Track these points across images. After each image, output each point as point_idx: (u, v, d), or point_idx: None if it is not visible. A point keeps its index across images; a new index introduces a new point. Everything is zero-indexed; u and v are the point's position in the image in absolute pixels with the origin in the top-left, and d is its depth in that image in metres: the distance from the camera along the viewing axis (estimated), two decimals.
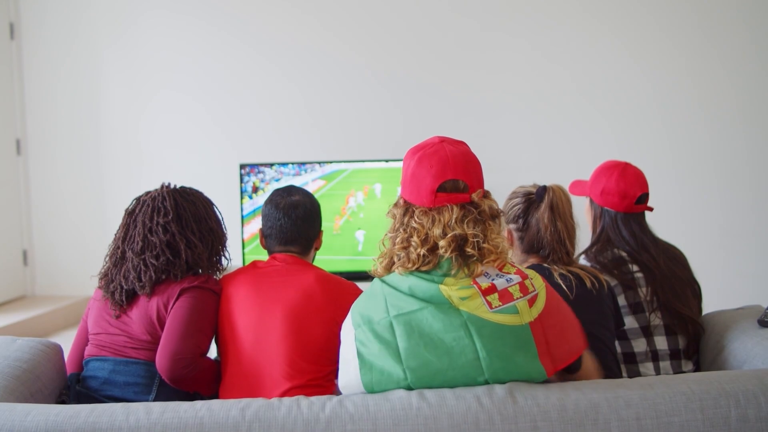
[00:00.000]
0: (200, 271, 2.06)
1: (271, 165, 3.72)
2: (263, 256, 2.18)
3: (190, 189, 2.14)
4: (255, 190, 3.69)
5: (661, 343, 2.19)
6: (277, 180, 3.70)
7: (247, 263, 2.75)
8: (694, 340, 2.22)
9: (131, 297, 2.00)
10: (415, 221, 1.54)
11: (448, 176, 1.53)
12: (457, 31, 4.31)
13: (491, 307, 1.46)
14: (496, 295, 1.48)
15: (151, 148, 4.56)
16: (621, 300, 2.18)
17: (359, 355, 1.51)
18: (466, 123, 4.28)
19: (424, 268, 1.52)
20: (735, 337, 2.05)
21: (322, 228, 2.20)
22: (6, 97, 4.54)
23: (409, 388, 1.47)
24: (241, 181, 3.69)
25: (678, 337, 2.20)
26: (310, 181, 3.73)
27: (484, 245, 1.51)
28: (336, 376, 1.81)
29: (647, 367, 2.17)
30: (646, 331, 2.19)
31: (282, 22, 4.42)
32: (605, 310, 1.98)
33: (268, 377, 1.91)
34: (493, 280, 1.50)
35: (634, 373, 2.15)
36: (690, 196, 4.22)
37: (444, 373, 1.45)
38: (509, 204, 2.09)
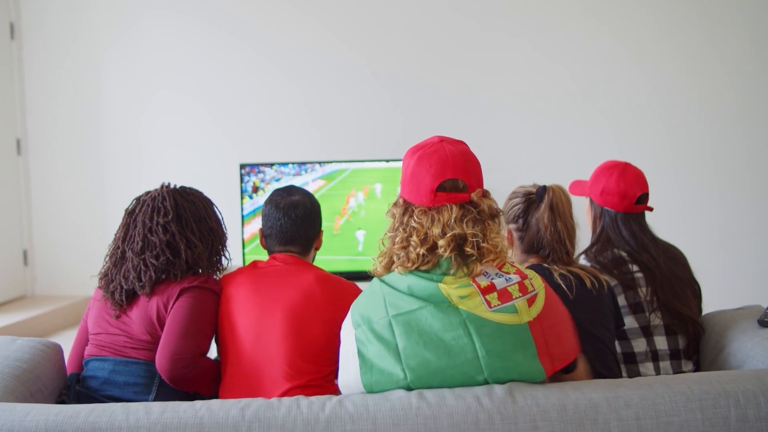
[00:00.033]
0: (200, 271, 2.06)
1: (271, 165, 3.72)
2: (263, 256, 2.18)
3: (190, 189, 2.14)
4: (255, 190, 3.69)
5: (661, 343, 2.19)
6: (277, 180, 3.70)
7: (247, 263, 2.75)
8: (694, 340, 2.22)
9: (131, 297, 2.00)
10: (415, 221, 1.54)
11: (448, 176, 1.53)
12: (457, 31, 4.31)
13: (490, 306, 1.46)
14: (495, 294, 1.48)
15: (151, 148, 4.56)
16: (621, 300, 2.18)
17: (360, 354, 1.51)
18: (466, 123, 4.28)
19: (423, 268, 1.52)
20: (735, 337, 2.05)
21: (322, 228, 2.20)
22: (6, 97, 4.55)
23: (409, 388, 1.46)
24: (242, 181, 3.69)
25: (678, 337, 2.20)
26: (310, 181, 3.73)
27: (484, 245, 1.51)
28: (336, 377, 1.81)
29: (647, 367, 2.17)
30: (646, 331, 2.19)
31: (282, 22, 4.42)
32: (605, 310, 1.98)
33: (268, 377, 1.91)
34: (492, 279, 1.50)
35: (634, 373, 2.15)
36: (690, 196, 4.22)
37: (443, 372, 1.45)
38: (509, 204, 2.09)
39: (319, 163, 3.77)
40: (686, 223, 4.12)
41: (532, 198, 2.04)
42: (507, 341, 1.45)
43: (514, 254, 2.08)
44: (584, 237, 2.22)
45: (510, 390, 1.43)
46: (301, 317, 1.94)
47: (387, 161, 3.75)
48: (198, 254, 2.03)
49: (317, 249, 2.22)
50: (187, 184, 2.16)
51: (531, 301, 1.49)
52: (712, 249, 4.13)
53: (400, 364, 1.46)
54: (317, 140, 4.43)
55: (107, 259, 2.07)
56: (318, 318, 1.95)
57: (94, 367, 1.97)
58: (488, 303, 1.46)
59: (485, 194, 1.57)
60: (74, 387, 1.94)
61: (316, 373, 1.91)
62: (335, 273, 2.12)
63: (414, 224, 1.54)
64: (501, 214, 1.59)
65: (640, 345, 2.18)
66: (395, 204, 1.62)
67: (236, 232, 3.41)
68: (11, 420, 1.41)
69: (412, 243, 1.53)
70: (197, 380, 1.92)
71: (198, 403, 1.45)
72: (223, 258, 2.15)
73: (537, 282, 1.54)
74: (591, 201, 2.37)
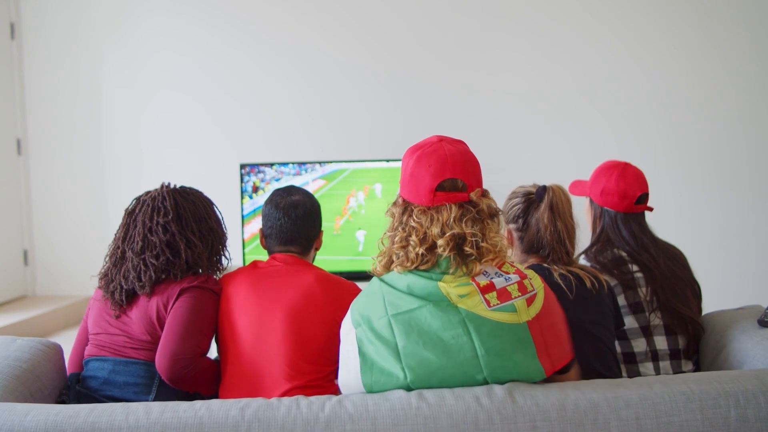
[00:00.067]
0: (200, 270, 2.06)
1: (271, 165, 3.72)
2: (263, 256, 2.18)
3: (190, 189, 2.14)
4: (255, 190, 3.69)
5: (660, 343, 2.19)
6: (277, 180, 3.70)
7: (247, 263, 2.75)
8: (694, 340, 2.22)
9: (131, 297, 2.00)
10: (414, 220, 1.54)
11: (447, 175, 1.53)
12: (457, 31, 4.31)
13: (489, 305, 1.46)
14: (494, 293, 1.48)
15: (151, 148, 4.56)
16: (621, 300, 2.18)
17: (361, 354, 1.51)
18: (466, 123, 4.28)
19: (422, 267, 1.52)
20: (735, 337, 2.05)
21: (323, 228, 2.20)
22: (6, 97, 4.55)
23: (408, 388, 1.46)
24: (242, 180, 3.69)
25: (678, 337, 2.20)
26: (310, 181, 3.73)
27: (483, 244, 1.51)
28: (336, 377, 1.81)
29: (647, 367, 2.17)
30: (646, 331, 2.19)
31: (282, 22, 4.43)
32: (605, 310, 1.98)
33: (268, 377, 1.90)
34: (491, 278, 1.50)
35: (634, 373, 2.15)
36: (690, 196, 4.22)
37: (443, 371, 1.45)
38: (509, 204, 2.09)
39: (319, 163, 3.77)
40: (686, 223, 4.12)
41: (532, 198, 2.04)
42: (506, 340, 1.45)
43: (514, 254, 2.08)
44: (584, 237, 2.22)
45: (509, 390, 1.43)
46: (301, 317, 1.94)
47: (387, 161, 3.75)
48: (198, 254, 2.03)
49: (317, 249, 2.22)
50: (187, 184, 2.16)
51: (530, 301, 1.49)
52: (712, 249, 4.13)
53: (400, 363, 1.46)
54: (317, 140, 4.43)
55: (107, 259, 2.07)
56: (318, 318, 1.94)
57: (93, 367, 1.97)
58: (487, 302, 1.46)
59: (484, 194, 1.57)
60: (74, 387, 1.94)
61: (316, 373, 1.91)
62: (335, 273, 2.12)
63: (413, 224, 1.54)
64: (500, 213, 1.59)
65: (640, 345, 2.18)
66: (394, 203, 1.62)
67: (236, 232, 3.42)
68: (11, 420, 1.41)
69: (412, 242, 1.53)
70: (197, 380, 1.92)
71: (198, 403, 1.45)
72: (223, 258, 2.15)
73: (536, 282, 1.54)
74: (591, 201, 2.37)
